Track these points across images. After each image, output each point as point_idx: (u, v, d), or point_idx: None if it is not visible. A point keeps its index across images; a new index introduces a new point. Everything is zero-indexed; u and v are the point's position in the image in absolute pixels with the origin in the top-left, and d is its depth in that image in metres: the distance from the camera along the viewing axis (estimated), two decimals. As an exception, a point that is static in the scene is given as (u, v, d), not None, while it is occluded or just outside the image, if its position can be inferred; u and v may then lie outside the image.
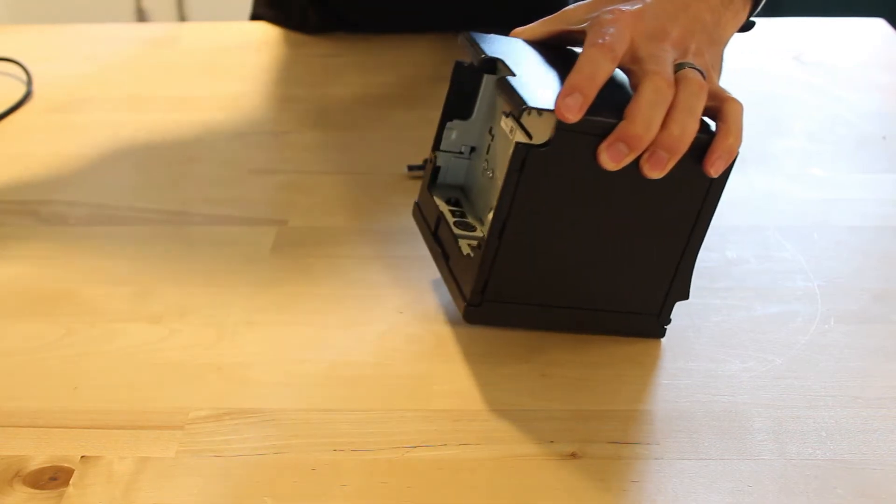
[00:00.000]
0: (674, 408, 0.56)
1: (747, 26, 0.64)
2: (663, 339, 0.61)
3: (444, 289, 0.65)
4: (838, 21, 1.07)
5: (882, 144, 0.84)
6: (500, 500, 0.51)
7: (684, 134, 0.53)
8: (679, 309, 0.61)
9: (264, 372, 0.59)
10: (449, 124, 0.63)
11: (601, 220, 0.56)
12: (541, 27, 0.62)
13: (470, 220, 0.63)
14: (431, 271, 0.67)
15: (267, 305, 0.64)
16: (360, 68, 0.97)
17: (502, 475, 0.52)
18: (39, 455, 0.53)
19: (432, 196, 0.64)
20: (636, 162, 0.53)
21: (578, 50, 0.62)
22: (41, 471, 0.52)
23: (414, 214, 0.66)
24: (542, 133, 0.53)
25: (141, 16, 2.51)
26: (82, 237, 0.72)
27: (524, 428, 0.55)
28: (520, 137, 0.54)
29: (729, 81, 0.59)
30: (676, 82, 0.53)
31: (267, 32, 1.05)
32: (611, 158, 0.52)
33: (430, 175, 0.65)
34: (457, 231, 0.61)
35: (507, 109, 0.56)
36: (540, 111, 0.52)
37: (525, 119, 0.53)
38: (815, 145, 0.84)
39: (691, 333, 0.62)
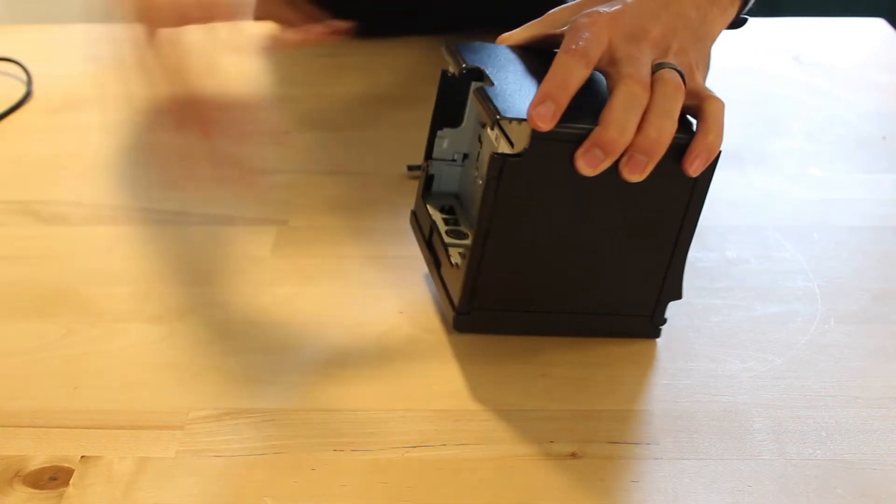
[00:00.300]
0: (673, 408, 0.56)
1: (738, 23, 0.63)
2: (663, 339, 0.61)
3: (444, 289, 0.65)
4: (837, 21, 1.07)
5: (881, 144, 0.84)
6: (500, 500, 0.51)
7: (661, 136, 0.52)
8: (679, 309, 0.61)
9: (264, 372, 0.59)
10: (440, 133, 0.64)
11: (585, 224, 0.56)
12: (526, 32, 0.62)
13: (463, 227, 0.63)
14: (431, 271, 0.67)
15: (267, 305, 0.65)
16: (360, 68, 0.97)
17: (502, 475, 0.52)
18: (39, 455, 0.53)
19: (425, 205, 0.64)
20: (615, 166, 0.53)
21: None
22: (41, 471, 0.52)
23: (411, 222, 0.67)
24: (522, 142, 0.53)
25: (140, 16, 2.50)
26: (82, 237, 0.72)
27: (524, 428, 0.55)
28: (503, 146, 0.54)
29: (727, 81, 0.59)
30: (653, 84, 0.53)
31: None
32: (587, 164, 0.52)
33: (424, 184, 0.65)
34: (448, 240, 0.61)
35: (484, 120, 0.57)
36: (516, 121, 0.52)
37: (507, 128, 0.53)
38: (813, 145, 0.84)
39: (691, 333, 0.62)
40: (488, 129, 0.57)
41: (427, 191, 0.65)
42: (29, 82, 0.93)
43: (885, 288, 0.66)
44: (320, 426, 0.55)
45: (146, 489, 0.51)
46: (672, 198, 0.56)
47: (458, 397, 0.57)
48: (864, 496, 0.51)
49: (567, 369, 0.59)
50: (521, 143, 0.53)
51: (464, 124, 0.64)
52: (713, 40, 0.61)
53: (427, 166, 0.65)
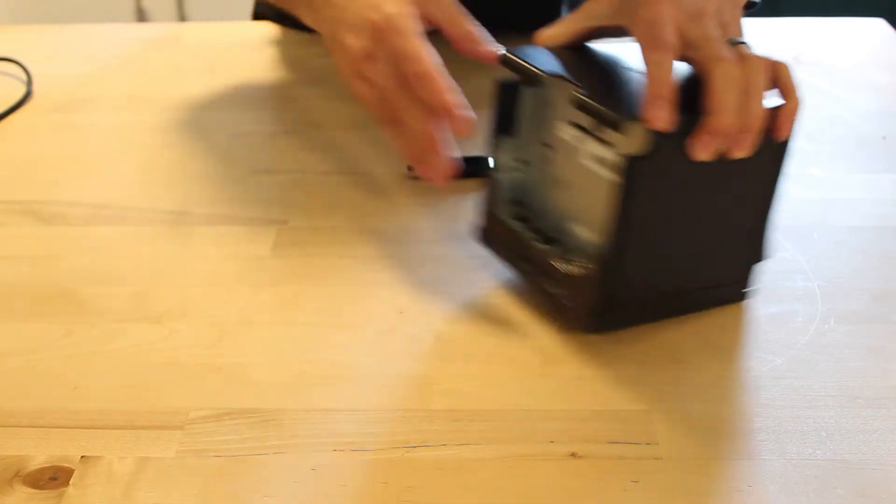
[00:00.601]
0: (673, 408, 0.56)
1: (749, 5, 0.67)
2: (663, 339, 0.61)
3: (444, 289, 0.65)
4: (837, 21, 1.07)
5: (881, 144, 0.84)
6: (500, 500, 0.51)
7: (761, 112, 0.55)
8: (679, 309, 0.61)
9: (264, 372, 0.59)
10: (499, 143, 0.64)
11: (696, 208, 0.58)
12: (569, 26, 0.63)
13: (547, 232, 0.63)
14: (431, 271, 0.67)
15: (267, 305, 0.65)
16: (360, 68, 0.97)
17: (502, 475, 0.52)
18: (39, 455, 0.53)
19: (499, 217, 0.64)
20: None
21: (599, 47, 0.62)
22: (41, 471, 0.52)
23: (478, 237, 0.67)
24: (626, 142, 0.55)
25: (141, 16, 2.51)
26: (82, 237, 0.72)
27: (524, 428, 0.55)
28: (593, 147, 0.57)
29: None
30: (739, 62, 0.55)
31: (268, 32, 1.05)
32: (704, 151, 0.54)
33: (492, 196, 0.65)
34: (544, 247, 0.61)
35: (585, 123, 0.58)
36: (631, 122, 0.54)
37: (602, 131, 0.55)
38: (813, 145, 0.84)
39: (692, 332, 0.62)
40: (566, 132, 0.59)
41: (495, 203, 0.65)
42: (29, 82, 0.93)
43: (885, 288, 0.66)
44: (320, 426, 0.55)
45: (146, 489, 0.51)
46: (761, 164, 0.58)
47: (458, 397, 0.57)
48: (864, 496, 0.51)
49: (567, 369, 0.59)
50: (635, 143, 0.54)
51: (519, 131, 0.64)
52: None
53: (492, 178, 0.65)
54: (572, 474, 0.52)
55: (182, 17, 2.54)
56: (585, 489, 0.51)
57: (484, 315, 0.63)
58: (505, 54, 0.62)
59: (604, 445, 0.54)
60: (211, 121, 0.88)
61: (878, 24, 1.06)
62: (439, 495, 0.51)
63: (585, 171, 0.59)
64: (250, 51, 1.02)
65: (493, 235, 0.66)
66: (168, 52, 1.02)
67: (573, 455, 0.53)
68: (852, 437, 0.54)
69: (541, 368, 0.59)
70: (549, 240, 0.62)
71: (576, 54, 0.62)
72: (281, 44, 1.03)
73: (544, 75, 0.59)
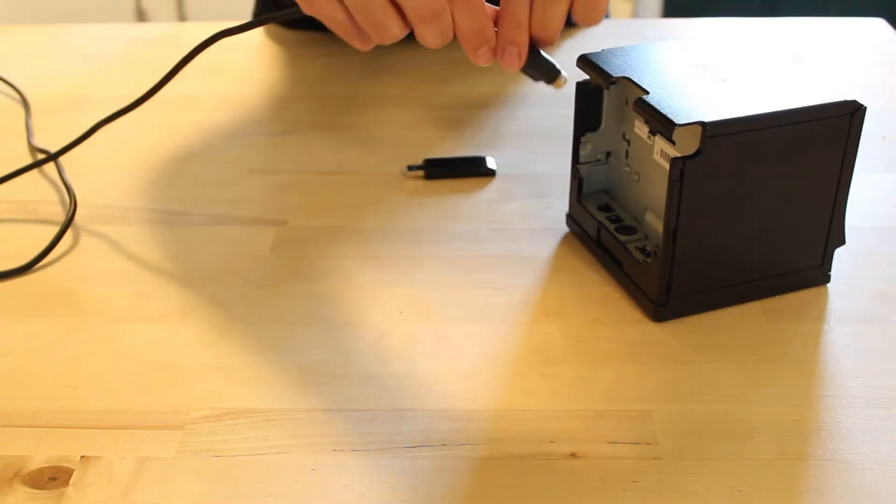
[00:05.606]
0: (673, 408, 0.56)
1: None
2: (664, 339, 0.61)
3: (444, 289, 0.65)
4: (837, 21, 1.07)
5: (881, 144, 0.84)
6: (500, 500, 0.51)
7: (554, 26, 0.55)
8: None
9: (264, 372, 0.59)
10: (583, 139, 0.68)
11: (759, 198, 0.60)
12: None
13: (627, 221, 0.67)
14: (431, 271, 0.67)
15: (267, 305, 0.65)
16: (360, 68, 0.97)
17: (502, 475, 0.52)
18: (39, 455, 0.53)
19: (584, 207, 0.68)
20: (778, 141, 0.57)
21: (682, 43, 0.65)
22: (41, 471, 0.52)
23: (568, 224, 0.71)
24: (685, 141, 0.58)
25: (141, 16, 2.51)
26: (82, 237, 0.72)
27: (524, 428, 0.55)
28: (662, 144, 0.60)
29: (729, 81, 0.60)
30: None
31: (267, 32, 1.05)
32: (482, 59, 0.55)
33: (577, 187, 0.69)
34: (621, 237, 0.65)
35: (650, 127, 0.61)
36: (688, 126, 0.56)
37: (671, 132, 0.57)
38: (814, 145, 0.84)
39: (691, 333, 0.62)
40: (636, 128, 0.63)
41: (580, 193, 0.69)
42: (24, 102, 0.92)
43: (885, 288, 0.66)
44: (320, 426, 0.55)
45: (146, 489, 0.51)
46: (829, 156, 0.60)
47: (458, 397, 0.57)
48: (863, 496, 0.51)
49: (567, 369, 0.59)
50: (686, 142, 0.57)
51: (603, 126, 0.67)
52: None
53: (577, 171, 0.68)
54: (572, 474, 0.52)
55: (182, 17, 2.54)
56: (585, 489, 0.51)
57: (484, 315, 0.64)
58: (579, 58, 0.65)
59: (604, 445, 0.54)
60: (210, 121, 0.88)
61: (878, 24, 1.06)
62: (439, 495, 0.51)
63: (656, 165, 0.62)
64: (250, 51, 1.02)
65: (578, 223, 0.69)
66: (168, 52, 1.02)
67: (573, 455, 0.53)
68: (852, 437, 0.54)
69: (541, 368, 0.59)
70: (627, 229, 0.66)
71: (656, 53, 0.64)
72: (280, 44, 1.03)
73: (612, 77, 0.62)
